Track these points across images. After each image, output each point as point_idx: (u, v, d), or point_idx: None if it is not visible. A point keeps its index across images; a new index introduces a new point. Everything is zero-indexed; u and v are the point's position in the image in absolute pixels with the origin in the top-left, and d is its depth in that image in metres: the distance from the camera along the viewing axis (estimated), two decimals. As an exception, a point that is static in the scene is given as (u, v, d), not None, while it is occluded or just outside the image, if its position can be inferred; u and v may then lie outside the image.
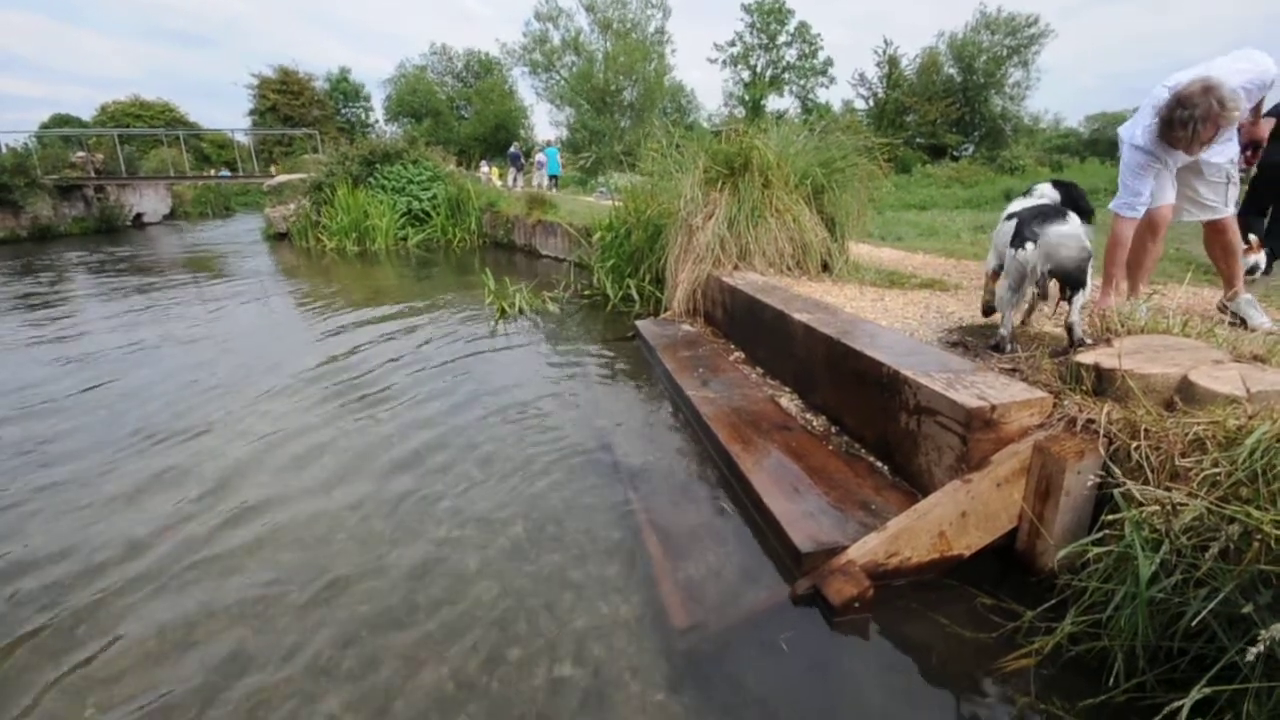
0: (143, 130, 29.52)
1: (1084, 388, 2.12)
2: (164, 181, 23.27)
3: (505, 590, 2.20)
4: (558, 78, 35.26)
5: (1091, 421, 1.97)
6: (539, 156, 20.71)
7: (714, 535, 2.48)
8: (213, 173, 25.50)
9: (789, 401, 3.43)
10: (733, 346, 4.57)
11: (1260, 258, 5.77)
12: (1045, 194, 2.92)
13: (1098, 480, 1.89)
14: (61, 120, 34.88)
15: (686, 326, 5.17)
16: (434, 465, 3.13)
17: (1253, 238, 5.88)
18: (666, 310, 5.55)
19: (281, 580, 2.27)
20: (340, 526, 2.61)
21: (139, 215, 21.25)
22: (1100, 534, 1.74)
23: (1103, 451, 1.89)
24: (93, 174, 19.48)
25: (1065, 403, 2.09)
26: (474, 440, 3.42)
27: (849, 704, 1.74)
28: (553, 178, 18.91)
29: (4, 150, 17.71)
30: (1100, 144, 35.73)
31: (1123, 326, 2.47)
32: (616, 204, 7.20)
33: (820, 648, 1.92)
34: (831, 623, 1.96)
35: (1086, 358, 2.17)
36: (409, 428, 3.60)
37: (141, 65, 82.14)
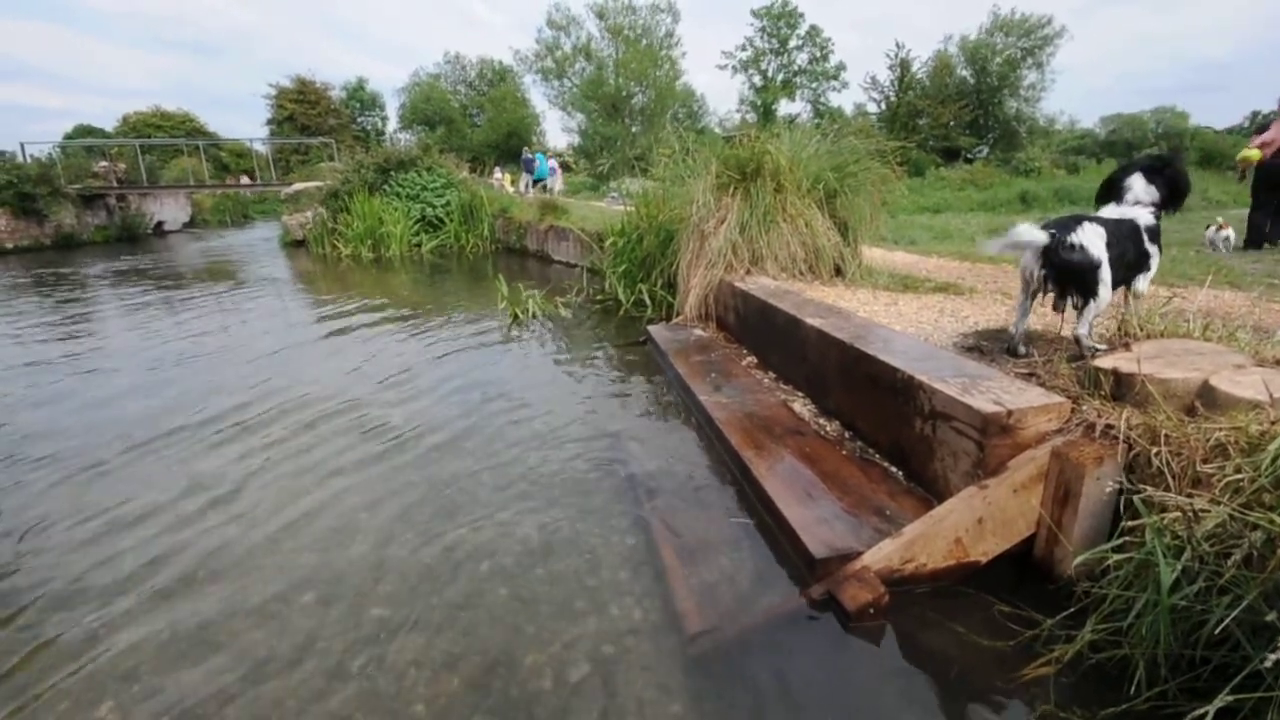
0: (163, 140, 30.12)
1: (1102, 393, 2.10)
2: (184, 190, 23.69)
3: (518, 594, 2.21)
4: (569, 84, 35.48)
5: (1110, 427, 1.95)
6: (551, 163, 21.10)
7: (727, 540, 2.48)
8: (231, 181, 25.92)
9: (802, 406, 3.42)
10: (745, 351, 4.56)
11: (1230, 233, 6.27)
12: (1138, 194, 2.58)
13: (1117, 486, 1.86)
14: (85, 131, 35.67)
15: (699, 331, 5.17)
16: (446, 469, 3.16)
17: (1219, 217, 6.37)
18: (678, 315, 5.56)
19: (294, 583, 2.30)
20: (352, 529, 2.64)
21: (160, 223, 21.64)
22: (1120, 540, 1.72)
23: (1122, 457, 1.87)
24: (115, 183, 19.87)
25: (1083, 408, 2.07)
26: (486, 445, 3.44)
27: (865, 710, 1.73)
28: (538, 182, 19.80)
29: (29, 160, 18.12)
30: (1117, 145, 35.28)
31: (1141, 330, 2.45)
32: (629, 209, 7.23)
33: (835, 653, 1.91)
34: (846, 629, 1.95)
35: (1105, 362, 2.14)
36: (421, 432, 3.64)
37: (157, 76, 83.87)
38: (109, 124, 36.91)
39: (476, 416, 3.87)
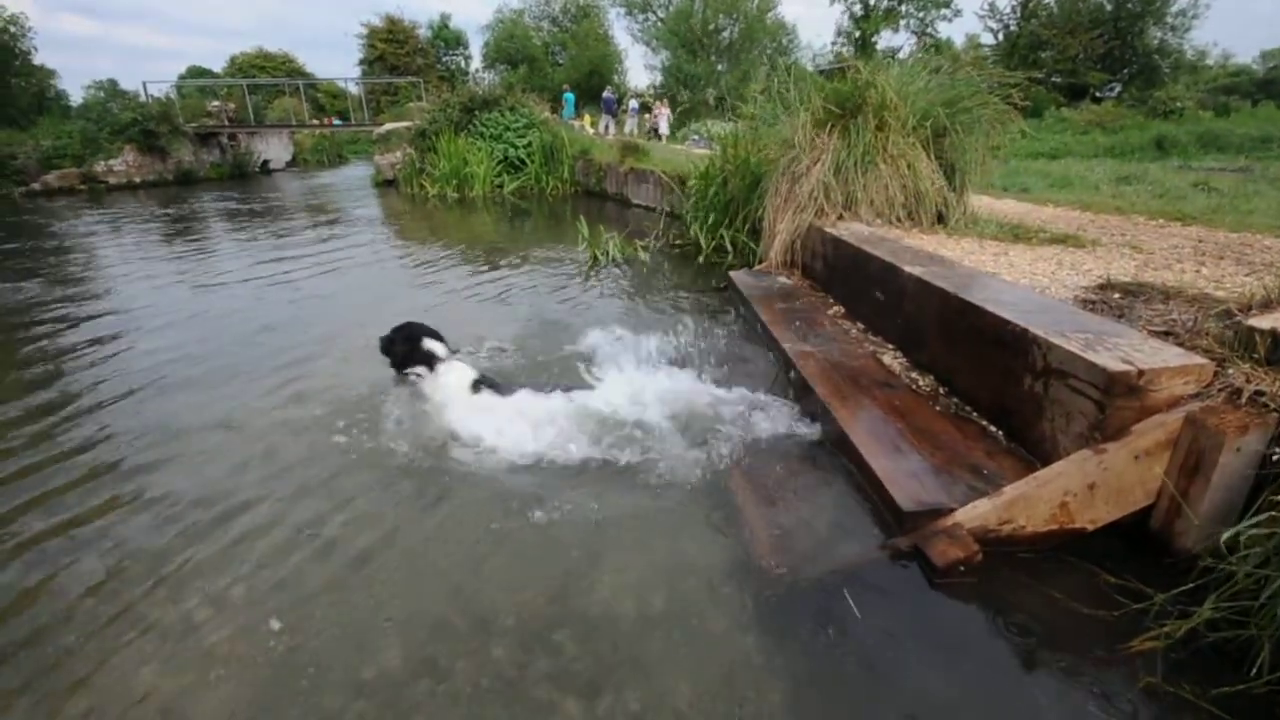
0: (267, 80, 31.58)
1: (1255, 356, 1.87)
2: (287, 130, 24.96)
3: (595, 524, 2.28)
4: (654, 18, 34.06)
5: (1261, 394, 1.74)
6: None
7: (806, 487, 2.45)
8: (326, 121, 27.00)
9: (892, 359, 3.27)
10: (831, 301, 4.38)
11: None
12: None
13: (1260, 458, 1.68)
14: (197, 71, 37.97)
15: (783, 279, 5.00)
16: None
17: None
18: (761, 262, 5.39)
19: (384, 506, 2.49)
20: (439, 458, 2.78)
21: (266, 162, 23.01)
22: (1264, 515, 1.55)
23: (1275, 427, 1.67)
24: (226, 122, 21.17)
25: (1229, 371, 1.85)
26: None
27: (947, 664, 1.69)
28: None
29: (150, 100, 19.51)
30: (1276, 84, 30.02)
31: (1310, 288, 2.14)
32: (714, 151, 6.98)
33: (920, 606, 1.87)
34: (932, 584, 1.90)
35: (1263, 322, 1.90)
36: (502, 365, 3.77)
37: (254, 15, 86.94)
38: (217, 65, 39.13)
39: (556, 353, 3.96)
